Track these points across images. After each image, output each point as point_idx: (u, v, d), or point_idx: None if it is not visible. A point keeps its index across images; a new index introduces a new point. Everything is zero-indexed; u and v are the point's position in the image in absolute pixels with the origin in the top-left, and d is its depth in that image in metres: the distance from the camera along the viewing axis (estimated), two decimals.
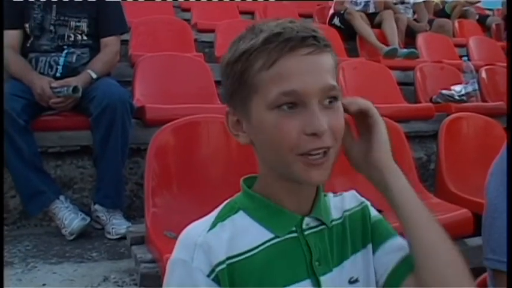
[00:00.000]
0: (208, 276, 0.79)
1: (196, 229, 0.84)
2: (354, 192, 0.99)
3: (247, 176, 0.91)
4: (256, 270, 0.82)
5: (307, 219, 0.87)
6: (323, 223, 0.89)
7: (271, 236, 0.84)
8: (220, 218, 0.85)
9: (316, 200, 0.89)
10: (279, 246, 0.84)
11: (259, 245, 0.83)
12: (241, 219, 0.86)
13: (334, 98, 0.82)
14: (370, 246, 0.93)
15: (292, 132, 0.79)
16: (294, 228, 0.86)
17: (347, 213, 0.94)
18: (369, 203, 0.98)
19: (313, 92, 0.79)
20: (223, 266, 0.80)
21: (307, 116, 0.79)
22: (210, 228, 0.83)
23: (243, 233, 0.84)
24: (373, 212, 0.97)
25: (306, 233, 0.86)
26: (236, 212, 0.86)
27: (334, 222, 0.91)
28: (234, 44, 0.85)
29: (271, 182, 0.87)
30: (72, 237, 2.38)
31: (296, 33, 0.80)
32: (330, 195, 0.98)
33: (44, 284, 1.94)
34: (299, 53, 0.80)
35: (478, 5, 7.40)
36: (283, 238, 0.85)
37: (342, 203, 0.96)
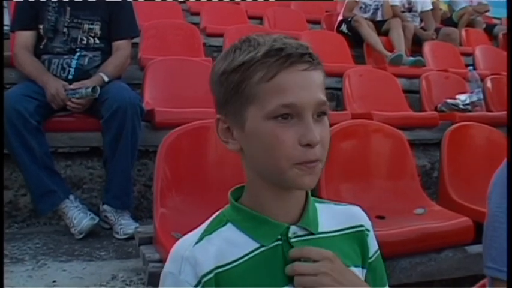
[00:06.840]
0: (196, 287, 0.84)
1: (184, 243, 0.89)
2: (359, 209, 1.02)
3: (236, 187, 0.95)
4: (241, 278, 0.86)
5: (293, 228, 0.90)
6: (311, 232, 0.92)
7: (257, 245, 0.88)
8: (207, 232, 0.89)
9: (306, 208, 0.92)
10: (263, 255, 0.88)
11: (246, 255, 0.87)
12: (229, 231, 0.89)
13: (324, 113, 0.87)
14: (364, 272, 0.97)
15: (288, 141, 0.83)
16: (279, 237, 0.89)
17: (350, 230, 0.97)
18: (370, 227, 1.00)
19: (309, 105, 0.84)
20: (211, 275, 0.84)
21: (302, 128, 0.83)
22: (197, 242, 0.88)
23: (231, 244, 0.88)
24: (373, 241, 1.00)
25: (291, 240, 0.90)
26: (224, 225, 0.90)
27: (332, 234, 0.94)
28: (229, 54, 0.87)
29: (259, 189, 0.90)
30: (80, 236, 2.43)
31: (295, 50, 0.84)
32: (331, 204, 1.01)
33: (54, 281, 1.99)
34: (296, 68, 0.84)
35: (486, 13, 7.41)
36: (268, 247, 0.88)
37: (345, 216, 0.99)
